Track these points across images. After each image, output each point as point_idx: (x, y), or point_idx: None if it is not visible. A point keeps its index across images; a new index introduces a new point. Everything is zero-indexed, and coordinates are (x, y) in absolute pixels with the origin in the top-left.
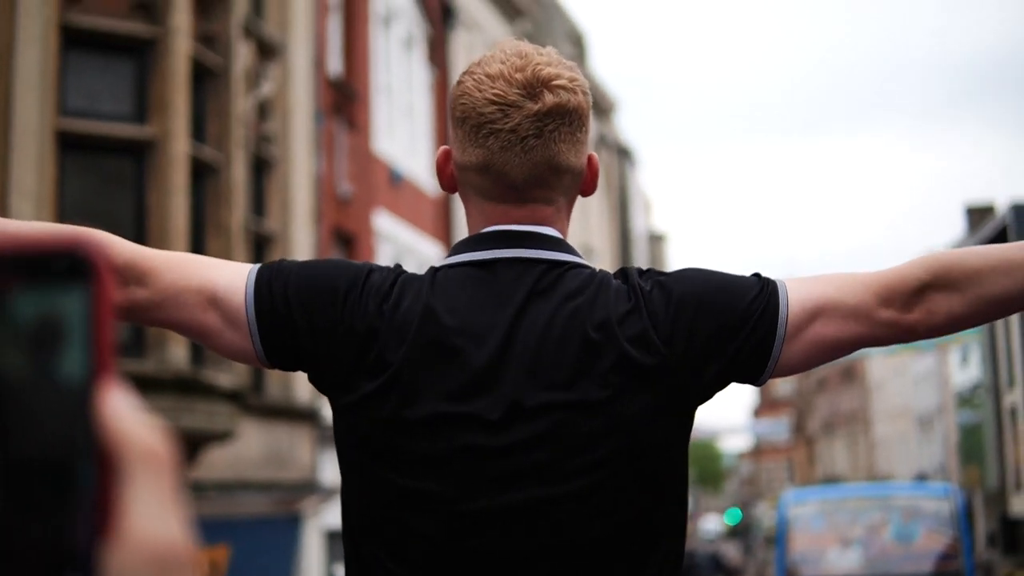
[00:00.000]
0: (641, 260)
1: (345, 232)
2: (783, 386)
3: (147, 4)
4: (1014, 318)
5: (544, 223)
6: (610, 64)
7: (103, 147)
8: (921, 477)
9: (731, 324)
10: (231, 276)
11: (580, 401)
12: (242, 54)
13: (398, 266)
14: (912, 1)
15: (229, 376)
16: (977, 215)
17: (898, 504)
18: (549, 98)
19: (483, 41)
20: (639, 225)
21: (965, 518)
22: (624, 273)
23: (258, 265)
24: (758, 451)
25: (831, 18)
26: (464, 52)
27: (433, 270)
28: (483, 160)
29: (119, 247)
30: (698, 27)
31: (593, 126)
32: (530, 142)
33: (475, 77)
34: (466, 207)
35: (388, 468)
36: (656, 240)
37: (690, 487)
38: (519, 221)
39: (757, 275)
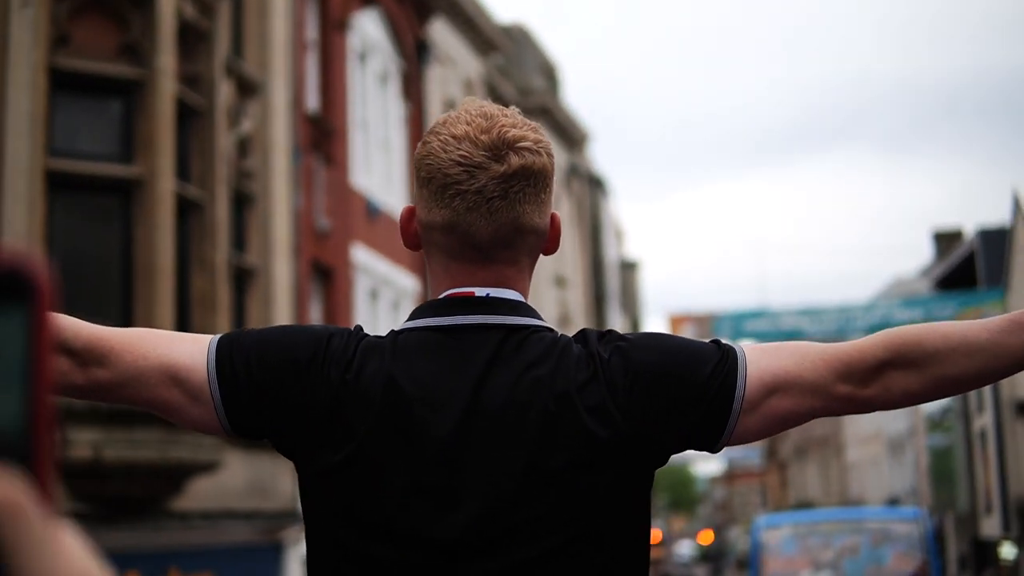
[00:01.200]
0: (613, 288)
1: (323, 265)
2: None
3: (133, 46)
4: None
5: (507, 284)
6: (582, 95)
7: (91, 186)
8: (893, 501)
9: (689, 395)
10: (191, 352)
11: (539, 473)
12: (223, 93)
13: (358, 328)
14: (877, 28)
15: None
16: (945, 240)
17: (869, 528)
18: (515, 160)
19: (456, 76)
20: (611, 254)
21: (934, 540)
22: (584, 337)
23: (217, 338)
24: (731, 476)
25: (799, 48)
26: (438, 87)
27: (394, 334)
28: (448, 220)
29: (77, 329)
30: (668, 58)
31: (565, 157)
32: (496, 203)
33: (441, 138)
34: (429, 265)
35: (346, 532)
36: (628, 268)
37: (663, 512)
38: (483, 282)
39: (717, 343)
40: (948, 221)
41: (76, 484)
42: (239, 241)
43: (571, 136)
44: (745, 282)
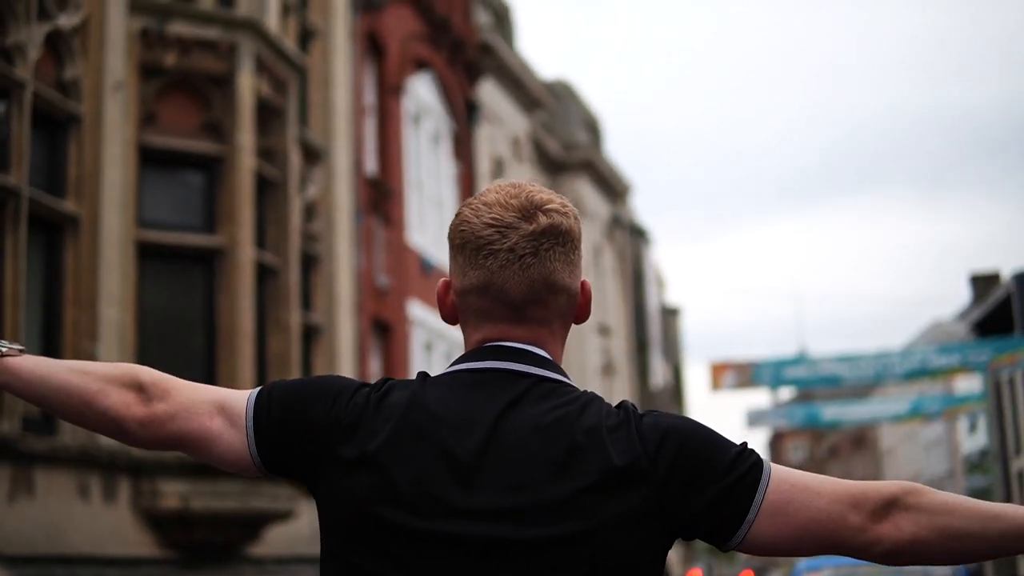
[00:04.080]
0: (655, 335)
1: (382, 321)
2: (795, 454)
3: (215, 124)
4: (1019, 386)
5: (540, 344)
6: (622, 146)
7: (177, 255)
8: None
9: (715, 469)
10: (239, 392)
11: (555, 502)
12: (294, 163)
13: (388, 378)
14: (911, 64)
15: None
16: (982, 283)
17: (908, 570)
18: (543, 219)
19: (504, 134)
20: (653, 301)
21: None
22: (621, 403)
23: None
24: None
25: (830, 87)
26: (487, 145)
27: (425, 374)
28: (483, 280)
29: (148, 371)
30: (701, 103)
31: (608, 209)
32: (527, 260)
33: (472, 207)
34: (466, 334)
35: (355, 553)
36: (669, 314)
37: (704, 555)
38: (517, 339)
39: (745, 443)
40: (986, 263)
41: (166, 532)
42: (305, 300)
43: (614, 188)
44: (783, 327)
